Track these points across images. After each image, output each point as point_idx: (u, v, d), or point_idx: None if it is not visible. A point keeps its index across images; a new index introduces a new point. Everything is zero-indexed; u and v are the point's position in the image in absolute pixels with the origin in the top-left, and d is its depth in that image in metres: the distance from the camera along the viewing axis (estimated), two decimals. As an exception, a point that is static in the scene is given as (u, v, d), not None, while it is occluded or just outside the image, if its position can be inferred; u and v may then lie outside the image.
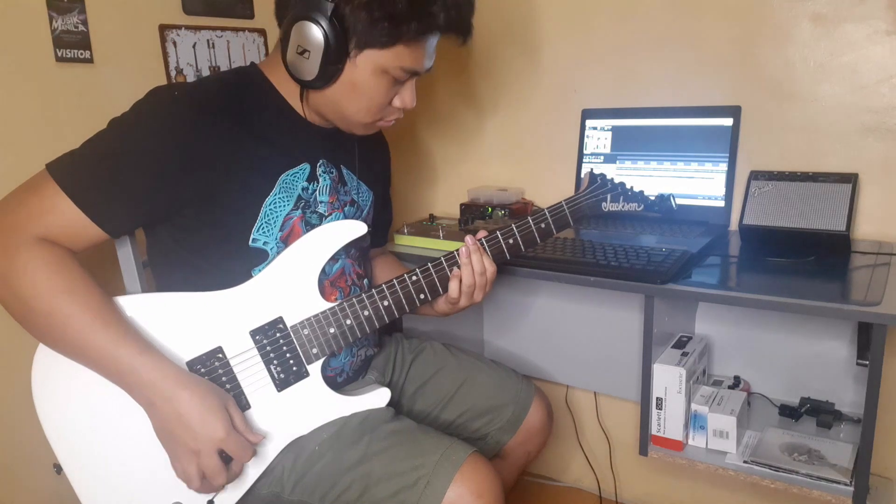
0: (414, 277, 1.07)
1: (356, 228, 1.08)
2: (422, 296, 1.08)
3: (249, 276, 1.03)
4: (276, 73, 1.06)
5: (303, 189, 1.07)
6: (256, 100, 1.05)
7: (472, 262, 1.08)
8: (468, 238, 1.10)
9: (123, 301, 0.97)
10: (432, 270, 1.08)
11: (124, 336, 0.92)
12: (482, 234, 1.10)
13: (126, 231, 1.06)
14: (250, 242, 1.03)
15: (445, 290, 1.09)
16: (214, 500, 1.01)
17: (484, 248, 1.10)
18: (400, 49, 1.00)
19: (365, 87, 1.02)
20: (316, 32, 0.96)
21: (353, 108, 1.05)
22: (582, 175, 1.65)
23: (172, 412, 0.92)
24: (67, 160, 0.95)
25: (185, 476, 0.94)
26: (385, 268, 1.35)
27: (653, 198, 1.17)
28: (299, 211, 1.06)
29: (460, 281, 1.09)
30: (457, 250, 1.09)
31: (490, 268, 1.10)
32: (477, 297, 1.11)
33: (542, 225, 1.11)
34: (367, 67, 1.00)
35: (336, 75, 1.01)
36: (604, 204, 1.14)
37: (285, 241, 1.05)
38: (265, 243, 1.04)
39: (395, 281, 1.07)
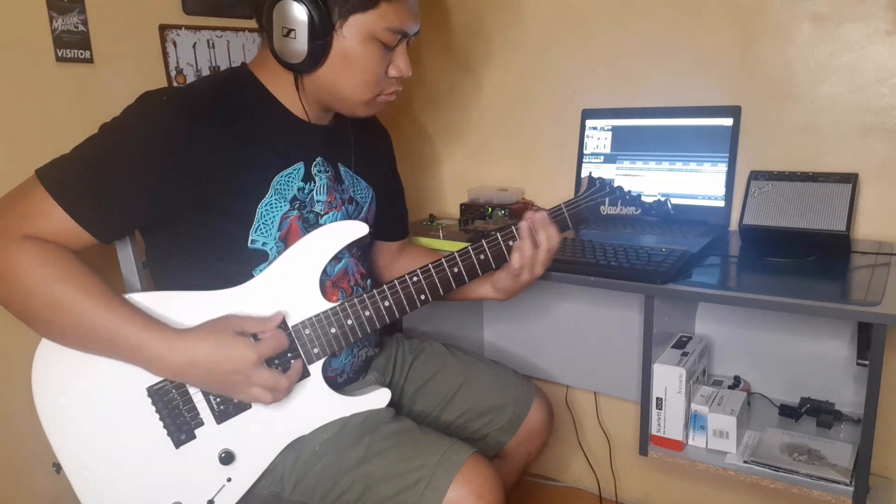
0: (415, 278, 1.07)
1: (357, 229, 1.08)
2: (422, 296, 1.08)
3: (251, 277, 1.03)
4: (265, 71, 1.06)
5: (298, 190, 1.07)
6: (247, 101, 1.04)
7: (538, 238, 1.09)
8: (535, 214, 1.10)
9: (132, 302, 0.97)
10: (433, 271, 1.08)
11: (130, 313, 0.93)
12: (537, 215, 1.11)
13: (118, 237, 1.06)
14: (249, 244, 1.03)
15: (447, 289, 1.09)
16: (215, 499, 1.01)
17: (549, 220, 1.10)
18: (384, 8, 0.99)
19: (357, 59, 1.01)
20: (298, 9, 0.96)
21: (350, 85, 1.03)
22: (582, 176, 1.65)
23: (203, 369, 0.94)
24: (57, 166, 0.94)
25: (257, 399, 0.98)
26: (417, 259, 1.33)
27: (650, 202, 1.17)
28: (296, 211, 1.06)
29: (522, 253, 1.09)
30: (461, 249, 1.09)
31: (555, 237, 1.10)
32: (538, 271, 1.12)
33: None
34: (355, 36, 0.99)
35: (326, 51, 1.00)
36: (602, 207, 1.15)
37: (284, 241, 1.05)
38: (264, 244, 1.04)
39: (395, 281, 1.07)
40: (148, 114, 0.97)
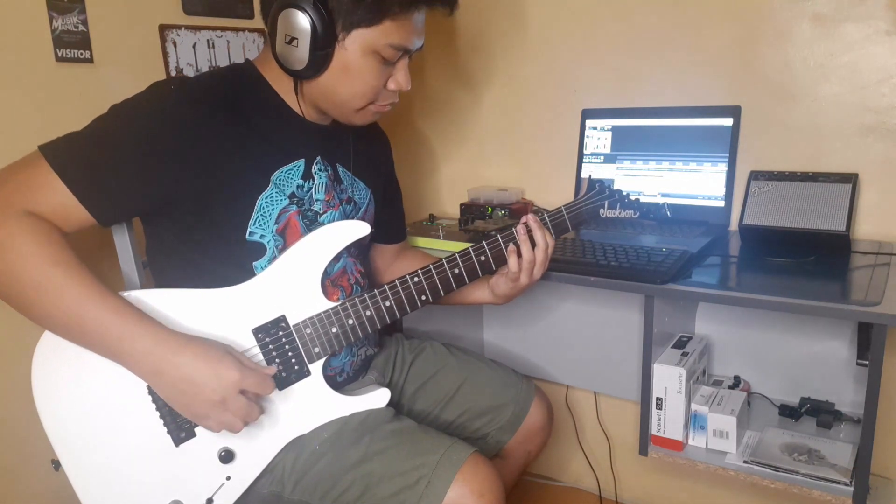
0: (416, 278, 1.07)
1: (359, 228, 1.08)
2: (423, 297, 1.08)
3: (249, 270, 1.03)
4: (269, 69, 1.06)
5: (297, 187, 1.07)
6: (251, 95, 1.05)
7: (536, 239, 1.10)
8: (529, 216, 1.11)
9: (124, 297, 0.97)
10: (433, 272, 1.08)
11: (122, 306, 0.91)
12: (531, 217, 1.11)
13: (115, 220, 1.03)
14: (247, 236, 1.03)
15: (447, 290, 1.09)
16: (214, 498, 1.01)
17: (545, 225, 1.12)
18: (387, 25, 0.99)
19: (357, 70, 1.02)
20: (301, 19, 0.96)
21: (348, 94, 1.04)
22: (583, 177, 1.65)
23: (181, 376, 0.91)
24: (62, 142, 0.94)
25: (226, 427, 0.94)
26: (413, 262, 1.33)
27: (648, 205, 1.18)
28: (294, 206, 1.06)
29: (520, 257, 1.10)
30: (464, 249, 1.09)
31: (550, 242, 1.12)
32: (536, 274, 1.12)
33: (543, 229, 1.12)
34: (356, 49, 1.00)
35: (327, 61, 1.00)
36: (602, 210, 1.15)
37: (282, 234, 1.05)
38: (262, 236, 1.04)
39: (396, 281, 1.07)
40: (156, 100, 0.97)
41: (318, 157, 1.11)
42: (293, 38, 0.97)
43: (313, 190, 1.09)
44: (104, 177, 0.94)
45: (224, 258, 1.03)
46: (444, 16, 1.06)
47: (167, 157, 0.95)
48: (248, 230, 1.03)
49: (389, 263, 1.35)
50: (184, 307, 0.99)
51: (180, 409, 0.94)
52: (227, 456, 1.00)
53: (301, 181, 1.08)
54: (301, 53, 0.98)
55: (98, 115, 0.97)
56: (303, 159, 1.08)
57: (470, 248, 1.10)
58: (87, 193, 0.92)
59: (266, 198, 1.03)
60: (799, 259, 1.26)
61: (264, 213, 1.03)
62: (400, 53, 1.03)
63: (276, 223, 1.05)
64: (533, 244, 1.11)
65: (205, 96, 1.00)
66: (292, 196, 1.06)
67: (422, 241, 1.52)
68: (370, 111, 1.09)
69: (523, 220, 1.11)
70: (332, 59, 1.00)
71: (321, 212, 1.10)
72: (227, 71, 1.12)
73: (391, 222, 1.33)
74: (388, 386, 1.15)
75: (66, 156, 0.92)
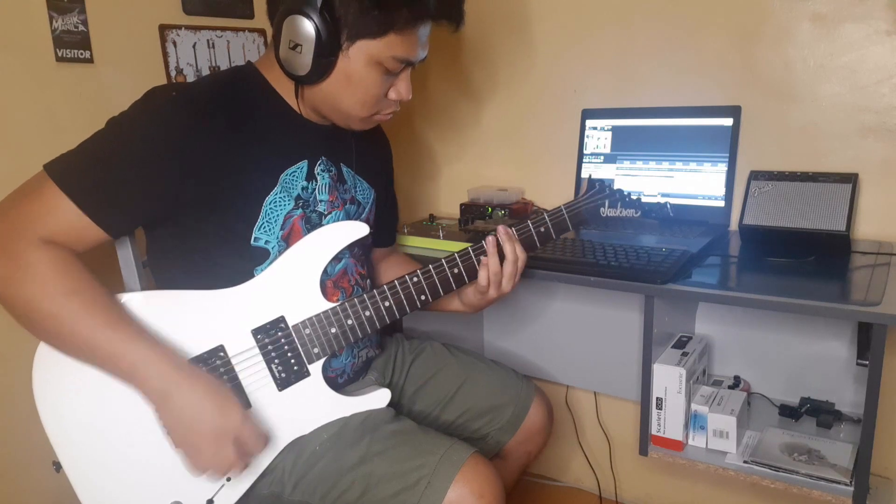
0: (415, 279, 1.07)
1: (358, 229, 1.08)
2: (422, 297, 1.08)
3: (251, 275, 1.03)
4: (271, 71, 1.06)
5: (302, 189, 1.07)
6: (253, 99, 1.05)
7: (506, 251, 1.09)
8: (500, 228, 1.10)
9: (124, 298, 0.97)
10: (433, 272, 1.08)
11: (134, 334, 0.92)
12: (502, 229, 1.10)
13: (127, 231, 1.06)
14: (252, 241, 1.03)
15: (447, 290, 1.09)
16: (214, 499, 1.01)
17: (515, 237, 1.11)
18: (392, 38, 0.99)
19: (359, 80, 1.02)
20: (307, 26, 0.96)
21: (349, 102, 1.04)
22: (582, 177, 1.65)
23: (188, 402, 0.91)
24: (66, 161, 0.94)
25: (212, 469, 0.94)
26: (396, 267, 1.34)
27: (649, 204, 1.18)
28: (299, 210, 1.06)
29: (488, 269, 1.09)
30: (465, 249, 1.09)
31: (521, 256, 1.10)
32: (506, 287, 1.11)
33: (542, 229, 1.12)
34: (360, 59, 1.00)
35: (329, 68, 1.00)
36: (602, 209, 1.15)
37: (286, 240, 1.05)
38: (266, 242, 1.04)
39: (396, 282, 1.07)
40: (155, 110, 0.97)
41: (322, 158, 1.11)
42: (297, 45, 0.97)
43: (317, 191, 1.09)
44: (111, 192, 0.94)
45: (227, 263, 1.03)
46: (449, 31, 1.06)
47: (173, 167, 0.95)
48: (253, 236, 1.03)
49: (373, 266, 1.35)
50: (183, 308, 0.99)
51: (176, 436, 0.94)
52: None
53: (305, 182, 1.08)
54: (304, 60, 0.98)
55: (97, 131, 0.97)
56: (306, 160, 1.08)
57: (469, 248, 1.10)
58: (97, 211, 0.93)
59: (272, 202, 1.03)
60: (799, 259, 1.26)
61: (270, 218, 1.03)
62: (403, 65, 1.04)
63: (282, 229, 1.05)
64: (502, 257, 1.10)
65: (205, 103, 1.00)
66: (298, 198, 1.06)
67: (422, 241, 1.52)
68: (372, 119, 1.10)
69: (494, 230, 1.10)
70: (335, 68, 1.00)
71: (325, 213, 1.10)
72: (229, 74, 1.12)
73: (383, 226, 1.33)
74: (388, 386, 1.15)
75: (73, 176, 0.93)
